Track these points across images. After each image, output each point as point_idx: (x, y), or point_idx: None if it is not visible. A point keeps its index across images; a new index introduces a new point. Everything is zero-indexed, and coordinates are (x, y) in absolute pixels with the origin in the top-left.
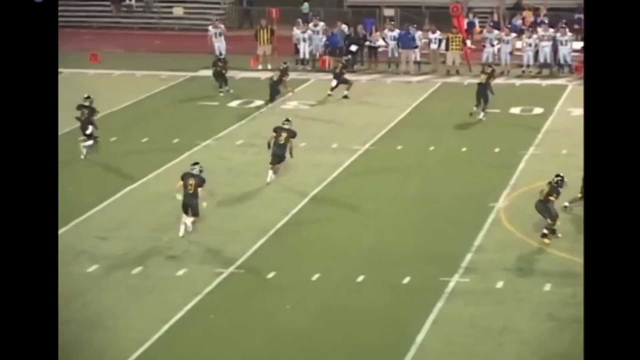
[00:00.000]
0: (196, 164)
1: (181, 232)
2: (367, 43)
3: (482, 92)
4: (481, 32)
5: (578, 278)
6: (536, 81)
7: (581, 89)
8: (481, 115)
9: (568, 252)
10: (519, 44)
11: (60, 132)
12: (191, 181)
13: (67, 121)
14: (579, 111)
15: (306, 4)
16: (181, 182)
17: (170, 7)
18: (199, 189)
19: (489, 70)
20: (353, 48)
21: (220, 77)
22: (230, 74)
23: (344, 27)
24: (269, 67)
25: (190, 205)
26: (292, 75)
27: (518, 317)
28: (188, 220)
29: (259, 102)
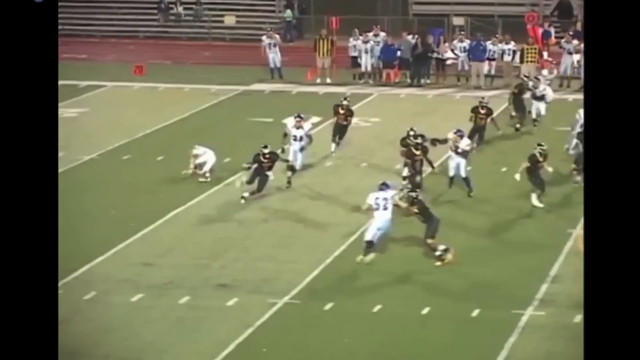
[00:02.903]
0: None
1: None
2: (435, 55)
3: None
4: (557, 42)
5: None
6: None
7: None
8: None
9: None
10: None
11: (100, 152)
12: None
13: (109, 139)
14: None
15: (289, 11)
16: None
17: (222, 15)
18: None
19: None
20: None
21: (260, 176)
22: (286, 88)
23: (409, 38)
24: (328, 80)
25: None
26: (353, 89)
27: None
28: None
29: (316, 119)
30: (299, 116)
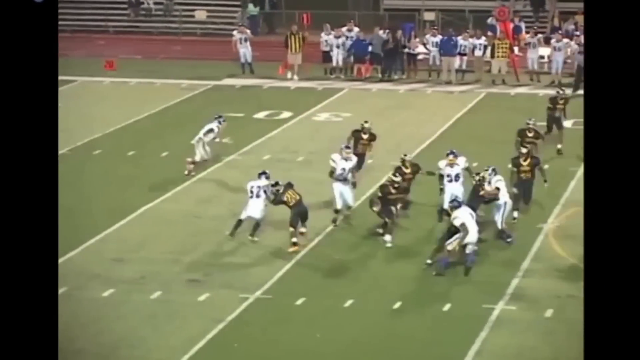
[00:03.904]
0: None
1: None
2: (406, 50)
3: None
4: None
5: None
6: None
7: None
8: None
9: None
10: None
11: (70, 147)
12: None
13: (79, 134)
14: None
15: (251, 5)
16: None
17: (192, 10)
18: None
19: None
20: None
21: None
22: (257, 82)
23: (381, 33)
24: (296, 77)
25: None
26: (324, 84)
27: (569, 350)
28: None
29: (287, 114)
30: (347, 147)
